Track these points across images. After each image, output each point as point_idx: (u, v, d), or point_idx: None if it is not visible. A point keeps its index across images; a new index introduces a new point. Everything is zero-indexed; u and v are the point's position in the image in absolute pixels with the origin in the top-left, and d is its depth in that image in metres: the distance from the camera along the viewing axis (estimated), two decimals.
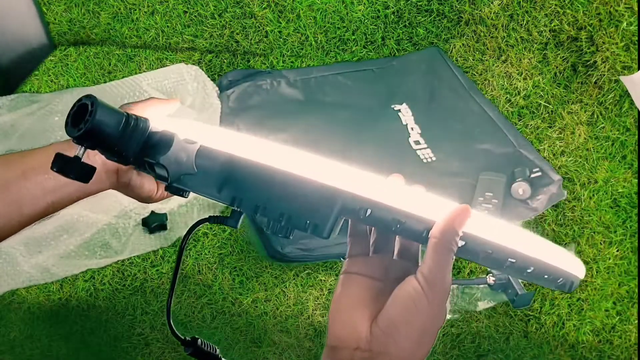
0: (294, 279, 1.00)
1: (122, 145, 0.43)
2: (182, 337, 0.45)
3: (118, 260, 1.00)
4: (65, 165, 0.43)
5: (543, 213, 1.00)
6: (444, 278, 0.41)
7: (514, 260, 0.44)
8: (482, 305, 0.92)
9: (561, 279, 0.47)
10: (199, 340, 0.46)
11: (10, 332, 1.02)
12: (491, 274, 0.92)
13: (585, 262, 0.99)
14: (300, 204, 0.41)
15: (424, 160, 1.06)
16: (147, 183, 0.59)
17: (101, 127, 0.42)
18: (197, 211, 1.03)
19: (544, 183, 1.00)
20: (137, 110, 0.58)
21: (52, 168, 0.43)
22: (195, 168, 0.42)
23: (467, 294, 0.93)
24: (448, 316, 0.92)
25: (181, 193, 0.45)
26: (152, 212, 1.02)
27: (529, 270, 0.45)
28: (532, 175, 1.00)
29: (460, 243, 0.42)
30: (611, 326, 0.96)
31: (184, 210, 1.03)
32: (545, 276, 0.46)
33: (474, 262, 0.46)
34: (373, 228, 0.47)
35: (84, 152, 0.44)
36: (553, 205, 1.02)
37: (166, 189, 0.45)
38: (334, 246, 0.97)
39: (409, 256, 0.47)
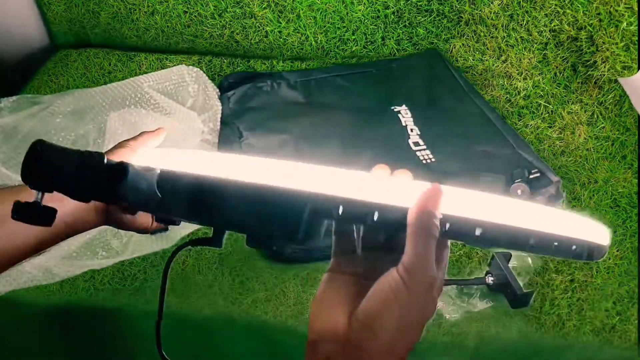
0: (294, 279, 1.00)
1: (78, 184, 0.43)
2: None
3: (119, 261, 1.01)
4: (24, 212, 0.42)
5: None
6: (425, 266, 0.38)
7: (511, 236, 0.39)
8: (481, 305, 0.92)
9: (575, 246, 0.40)
10: None
11: (10, 332, 1.03)
12: (490, 274, 0.92)
13: (585, 262, 0.99)
14: (269, 215, 0.40)
15: (424, 162, 1.06)
16: (140, 218, 0.59)
17: (54, 170, 0.42)
18: None
19: (543, 184, 1.00)
20: (133, 147, 0.57)
21: (12, 217, 0.42)
22: (159, 194, 0.42)
23: (466, 294, 0.93)
24: (446, 315, 0.93)
25: (173, 222, 0.44)
26: None
27: (530, 243, 0.40)
28: (531, 177, 1.00)
29: (446, 226, 0.39)
30: (611, 326, 0.96)
31: None
32: (555, 244, 0.40)
33: (471, 245, 0.43)
34: (360, 225, 0.44)
35: (42, 197, 0.43)
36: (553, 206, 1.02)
37: (156, 220, 0.44)
38: None
39: (397, 249, 0.42)
